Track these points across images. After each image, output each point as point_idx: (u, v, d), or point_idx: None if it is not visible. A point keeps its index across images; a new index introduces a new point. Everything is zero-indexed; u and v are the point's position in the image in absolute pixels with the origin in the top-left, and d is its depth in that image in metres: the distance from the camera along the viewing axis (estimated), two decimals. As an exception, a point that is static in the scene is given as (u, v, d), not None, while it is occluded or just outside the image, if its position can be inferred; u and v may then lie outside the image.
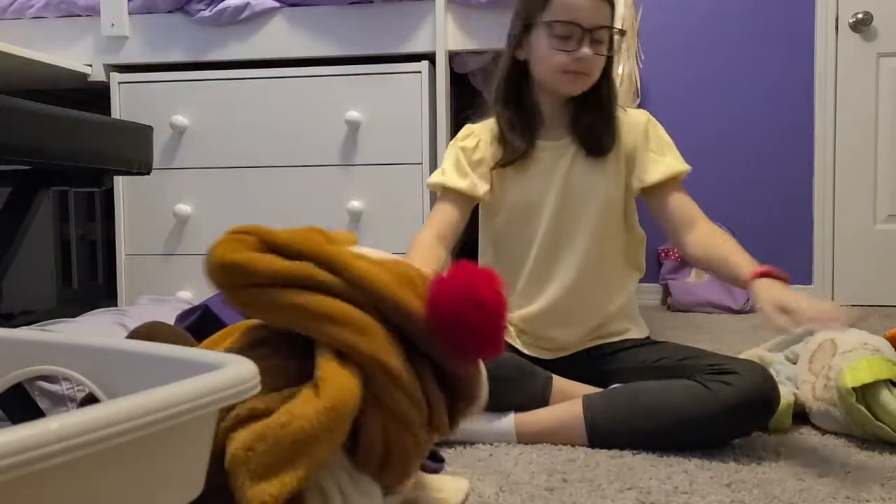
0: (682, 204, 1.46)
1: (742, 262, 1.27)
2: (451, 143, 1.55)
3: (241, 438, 0.67)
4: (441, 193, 1.51)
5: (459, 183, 1.47)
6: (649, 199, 1.48)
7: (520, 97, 1.48)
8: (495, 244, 1.54)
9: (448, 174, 1.49)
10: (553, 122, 1.49)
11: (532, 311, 1.46)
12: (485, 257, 1.58)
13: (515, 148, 1.46)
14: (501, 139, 1.48)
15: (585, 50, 1.38)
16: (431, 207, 2.09)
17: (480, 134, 1.51)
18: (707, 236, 1.41)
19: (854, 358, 1.26)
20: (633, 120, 1.49)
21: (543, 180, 1.47)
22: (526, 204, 1.48)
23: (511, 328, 1.50)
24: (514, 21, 1.47)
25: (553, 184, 1.46)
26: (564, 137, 1.48)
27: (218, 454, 0.67)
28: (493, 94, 1.52)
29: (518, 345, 1.47)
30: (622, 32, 1.42)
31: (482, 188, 1.48)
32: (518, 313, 1.48)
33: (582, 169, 1.46)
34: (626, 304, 1.51)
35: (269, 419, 0.67)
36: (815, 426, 1.31)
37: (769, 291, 1.17)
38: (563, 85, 1.43)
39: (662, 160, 1.47)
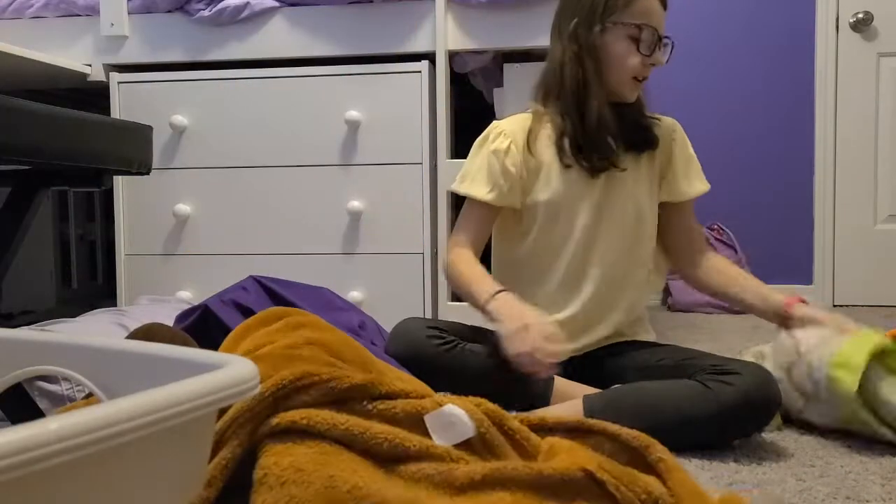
0: (697, 228, 1.52)
1: (771, 292, 1.41)
2: (480, 143, 1.49)
3: None
4: (470, 200, 1.47)
5: (491, 195, 1.43)
6: (665, 214, 1.49)
7: (583, 108, 1.40)
8: (521, 248, 1.49)
9: (477, 184, 1.44)
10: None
11: (559, 318, 1.43)
12: (504, 261, 1.54)
13: (595, 167, 1.40)
14: (565, 148, 1.42)
15: (660, 56, 1.38)
16: (431, 207, 2.11)
17: (513, 134, 1.45)
18: (725, 265, 1.50)
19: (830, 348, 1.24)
20: (667, 127, 1.49)
21: (581, 186, 1.44)
22: (559, 209, 1.44)
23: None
24: (571, 20, 1.40)
25: (591, 190, 1.44)
26: (617, 147, 1.43)
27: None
28: (545, 97, 1.45)
29: None
30: (673, 45, 1.40)
31: (513, 197, 1.45)
32: None
33: (620, 175, 1.44)
34: (643, 309, 1.52)
35: None
36: (812, 425, 1.31)
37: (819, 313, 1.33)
38: (629, 91, 1.40)
39: (691, 179, 1.48)
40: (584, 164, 1.41)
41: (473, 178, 1.45)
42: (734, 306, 1.54)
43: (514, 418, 0.83)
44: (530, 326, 1.25)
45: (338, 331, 0.97)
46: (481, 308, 1.35)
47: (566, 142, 1.42)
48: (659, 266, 1.54)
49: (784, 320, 1.37)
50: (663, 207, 1.50)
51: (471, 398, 0.85)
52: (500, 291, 1.34)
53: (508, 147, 1.43)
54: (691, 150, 1.51)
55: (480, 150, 1.47)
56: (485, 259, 1.49)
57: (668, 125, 1.50)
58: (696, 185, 1.49)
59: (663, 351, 1.41)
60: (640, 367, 1.37)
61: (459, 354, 1.36)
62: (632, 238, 1.46)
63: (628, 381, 1.32)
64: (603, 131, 1.40)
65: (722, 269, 1.49)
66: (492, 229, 1.50)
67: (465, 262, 1.42)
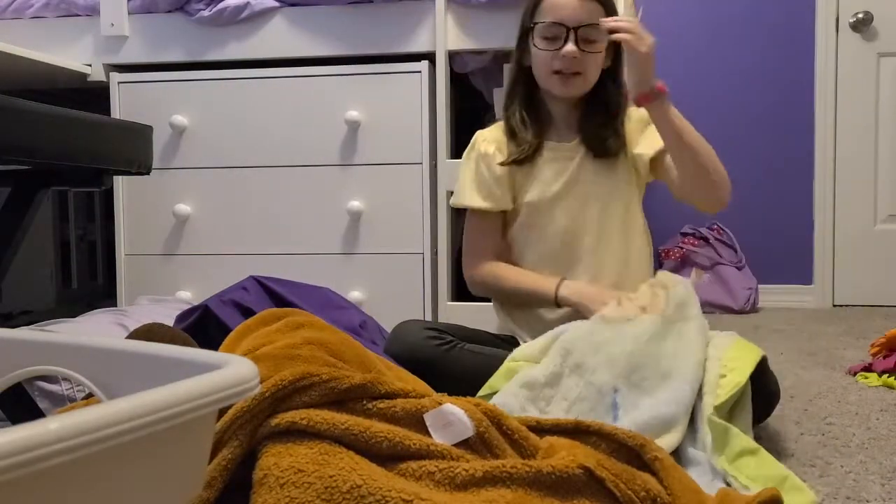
0: None
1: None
2: (466, 155, 1.55)
3: None
4: (471, 213, 1.52)
5: (485, 203, 1.49)
6: (657, 169, 1.48)
7: (530, 100, 1.49)
8: (509, 248, 1.53)
9: (470, 194, 1.50)
10: (562, 125, 1.50)
11: (549, 317, 1.45)
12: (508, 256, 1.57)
13: (527, 143, 1.46)
14: (511, 137, 1.49)
15: (569, 47, 1.39)
16: (431, 207, 2.11)
17: (496, 137, 1.51)
18: None
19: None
20: (635, 119, 1.50)
21: (554, 182, 1.48)
22: (538, 206, 1.48)
23: (520, 331, 1.49)
24: (519, 28, 1.50)
25: (564, 185, 1.47)
26: (573, 139, 1.48)
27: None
28: (503, 99, 1.54)
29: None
30: (612, 31, 1.39)
31: (507, 200, 1.50)
32: (541, 317, 1.47)
33: (592, 170, 1.47)
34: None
35: None
36: (814, 424, 1.31)
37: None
38: (556, 86, 1.44)
39: (653, 136, 1.46)
40: (516, 159, 1.47)
41: (467, 189, 1.51)
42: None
43: (512, 418, 0.83)
44: (607, 297, 1.32)
45: (338, 331, 0.97)
46: (553, 299, 1.41)
47: (513, 125, 1.49)
48: (649, 257, 1.55)
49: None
50: (655, 170, 1.49)
51: (469, 398, 0.85)
52: (562, 280, 1.42)
53: (493, 153, 1.49)
54: (641, 113, 1.49)
55: (468, 162, 1.53)
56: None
57: (635, 116, 1.51)
58: (646, 145, 1.48)
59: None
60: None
61: (458, 355, 1.37)
62: (614, 229, 1.48)
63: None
64: (542, 116, 1.49)
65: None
66: (502, 234, 1.53)
67: (511, 270, 1.48)
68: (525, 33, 1.47)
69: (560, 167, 1.48)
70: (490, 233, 1.51)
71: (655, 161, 1.47)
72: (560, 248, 1.48)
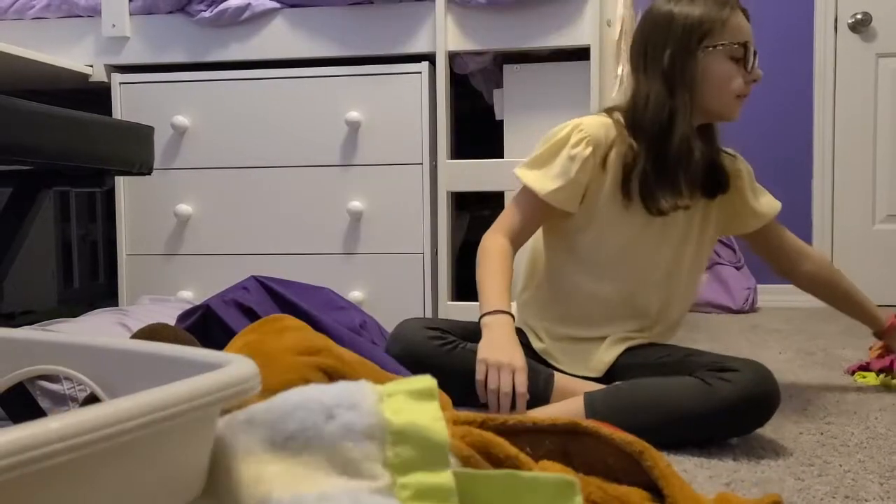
0: (789, 242, 1.58)
1: (872, 310, 1.61)
2: (561, 141, 1.38)
3: None
4: (527, 191, 1.40)
5: (556, 196, 1.37)
6: (751, 238, 1.55)
7: (667, 139, 1.34)
8: (573, 256, 1.45)
9: (546, 181, 1.36)
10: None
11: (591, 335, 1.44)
12: (540, 263, 1.51)
13: (659, 207, 1.35)
14: (643, 183, 1.36)
15: (759, 71, 1.37)
16: (431, 208, 2.11)
17: (596, 143, 1.37)
18: (828, 275, 1.60)
19: None
20: (733, 162, 1.50)
21: (661, 225, 1.41)
22: (631, 238, 1.41)
23: (552, 345, 1.47)
24: (662, 45, 1.35)
25: (669, 230, 1.42)
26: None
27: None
28: (642, 121, 1.36)
29: (556, 363, 1.45)
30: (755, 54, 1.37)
31: (574, 203, 1.40)
32: (566, 332, 1.46)
33: (697, 212, 1.44)
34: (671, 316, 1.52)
35: None
36: (813, 424, 1.31)
37: None
38: (734, 111, 1.38)
39: (760, 203, 1.52)
40: (647, 204, 1.36)
41: (544, 174, 1.37)
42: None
43: (505, 444, 0.78)
44: (505, 367, 1.24)
45: (323, 336, 0.97)
46: (480, 315, 1.35)
47: (635, 176, 1.36)
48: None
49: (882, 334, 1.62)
50: (748, 235, 1.54)
51: (461, 427, 0.80)
52: (500, 312, 1.32)
53: (587, 158, 1.36)
54: (754, 180, 1.53)
55: (560, 150, 1.37)
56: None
57: (730, 161, 1.49)
58: (766, 204, 1.52)
59: (664, 348, 1.41)
60: (642, 364, 1.37)
61: (460, 354, 1.37)
62: (696, 266, 1.47)
63: (629, 378, 1.32)
64: (680, 169, 1.35)
65: (824, 280, 1.59)
66: (539, 227, 1.46)
67: (496, 259, 1.37)
68: (691, 53, 1.33)
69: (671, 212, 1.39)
70: (529, 215, 1.40)
71: (755, 232, 1.52)
72: (637, 282, 1.42)
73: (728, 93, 1.36)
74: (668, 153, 1.34)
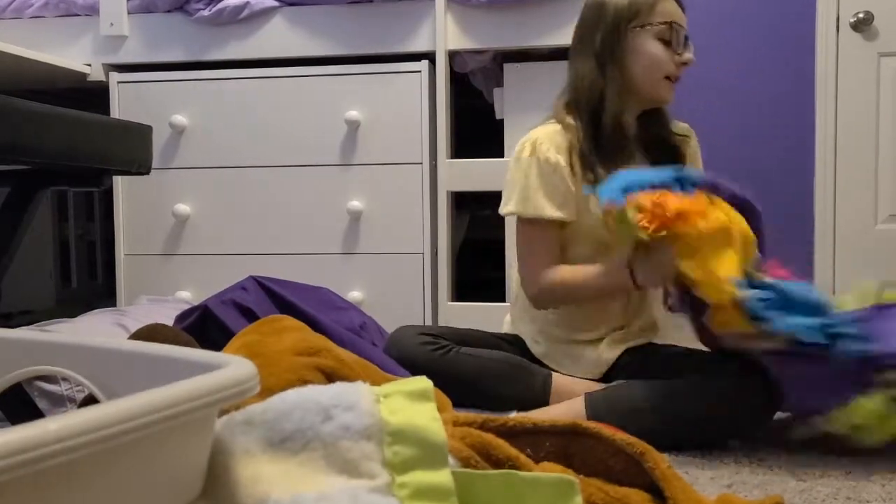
0: None
1: None
2: (521, 158, 1.40)
3: None
4: (532, 222, 1.39)
5: (559, 213, 1.37)
6: None
7: (599, 117, 1.38)
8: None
9: (542, 203, 1.36)
10: (627, 139, 1.41)
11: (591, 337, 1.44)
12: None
13: (598, 175, 1.34)
14: (582, 159, 1.38)
15: (690, 55, 1.39)
16: (431, 207, 2.10)
17: (558, 148, 1.38)
18: None
19: None
20: (683, 132, 1.49)
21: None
22: (598, 224, 1.39)
23: (550, 348, 1.47)
24: (595, 28, 1.39)
25: None
26: (636, 156, 1.41)
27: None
28: (566, 108, 1.41)
29: (557, 367, 1.44)
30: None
31: (574, 212, 1.39)
32: (562, 334, 1.45)
33: None
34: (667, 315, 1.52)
35: None
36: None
37: None
38: (665, 92, 1.39)
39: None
40: (587, 179, 1.36)
41: (538, 198, 1.36)
42: None
43: (505, 446, 0.78)
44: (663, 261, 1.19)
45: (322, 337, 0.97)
46: (614, 277, 1.29)
47: (585, 153, 1.37)
48: None
49: None
50: None
51: (461, 428, 0.80)
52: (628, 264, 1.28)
53: (558, 162, 1.37)
54: (699, 159, 1.52)
55: (529, 167, 1.39)
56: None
57: (683, 131, 1.50)
58: None
59: (663, 348, 1.41)
60: (641, 365, 1.37)
61: (454, 358, 1.37)
62: None
63: (630, 378, 1.32)
64: (621, 139, 1.37)
65: None
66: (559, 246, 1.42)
67: (570, 270, 1.36)
68: (620, 34, 1.37)
69: None
70: (550, 243, 1.39)
71: None
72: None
73: (656, 73, 1.37)
74: (602, 131, 1.37)
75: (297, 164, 2.17)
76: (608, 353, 1.41)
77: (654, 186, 1.16)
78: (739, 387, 1.19)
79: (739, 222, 1.18)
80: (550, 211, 1.36)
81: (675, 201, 1.12)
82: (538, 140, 1.39)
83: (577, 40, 1.43)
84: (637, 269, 1.24)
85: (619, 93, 1.37)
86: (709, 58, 3.20)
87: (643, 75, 1.37)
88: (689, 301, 1.21)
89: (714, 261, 1.12)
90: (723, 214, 1.16)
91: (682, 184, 1.18)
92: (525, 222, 1.40)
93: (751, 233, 1.20)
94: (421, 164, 2.11)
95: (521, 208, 1.38)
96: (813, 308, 1.13)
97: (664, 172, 1.20)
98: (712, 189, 1.20)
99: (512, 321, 1.55)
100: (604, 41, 1.38)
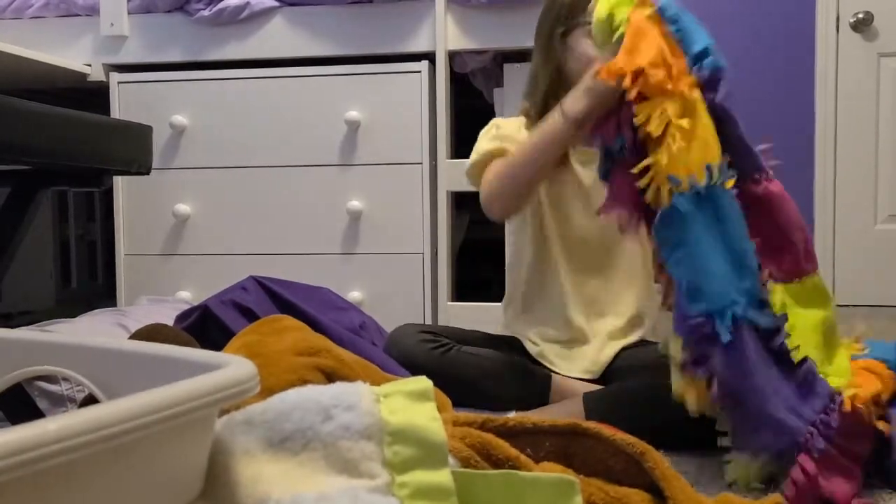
0: None
1: None
2: (486, 133, 1.48)
3: None
4: (477, 163, 1.46)
5: (494, 142, 1.44)
6: None
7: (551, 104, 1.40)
8: (535, 253, 1.50)
9: (482, 146, 1.45)
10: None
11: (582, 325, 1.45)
12: (522, 265, 1.54)
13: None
14: None
15: None
16: (431, 207, 2.10)
17: (514, 127, 1.46)
18: None
19: None
20: None
21: (576, 186, 1.46)
22: (563, 210, 1.46)
23: (546, 348, 1.47)
24: (542, 25, 1.44)
25: (585, 190, 1.45)
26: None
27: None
28: (531, 100, 1.47)
29: (553, 366, 1.44)
30: None
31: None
32: (553, 334, 1.46)
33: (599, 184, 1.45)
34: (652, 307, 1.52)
35: None
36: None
37: None
38: None
39: None
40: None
41: (478, 149, 1.45)
42: None
43: (505, 446, 0.79)
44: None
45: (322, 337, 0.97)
46: (562, 124, 1.27)
47: None
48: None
49: None
50: None
51: (461, 428, 0.80)
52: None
53: (511, 136, 1.44)
54: None
55: (487, 139, 1.46)
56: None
57: None
58: None
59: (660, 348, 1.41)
60: (641, 365, 1.37)
61: (455, 357, 1.37)
62: (609, 241, 1.47)
63: (628, 379, 1.32)
64: None
65: None
66: None
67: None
68: (558, 32, 1.41)
69: (581, 170, 1.46)
70: None
71: None
72: (595, 248, 1.47)
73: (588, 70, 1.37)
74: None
75: (297, 164, 2.17)
76: (603, 352, 1.41)
77: None
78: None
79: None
80: (494, 144, 1.42)
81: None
82: (498, 124, 1.49)
83: (535, 35, 1.49)
84: (566, 98, 1.24)
85: (562, 88, 1.38)
86: (709, 58, 3.20)
87: (578, 73, 1.37)
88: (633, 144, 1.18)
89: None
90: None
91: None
92: (475, 173, 1.45)
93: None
94: (421, 164, 2.11)
95: (469, 167, 1.47)
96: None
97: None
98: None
99: (506, 324, 1.55)
100: (547, 38, 1.44)
